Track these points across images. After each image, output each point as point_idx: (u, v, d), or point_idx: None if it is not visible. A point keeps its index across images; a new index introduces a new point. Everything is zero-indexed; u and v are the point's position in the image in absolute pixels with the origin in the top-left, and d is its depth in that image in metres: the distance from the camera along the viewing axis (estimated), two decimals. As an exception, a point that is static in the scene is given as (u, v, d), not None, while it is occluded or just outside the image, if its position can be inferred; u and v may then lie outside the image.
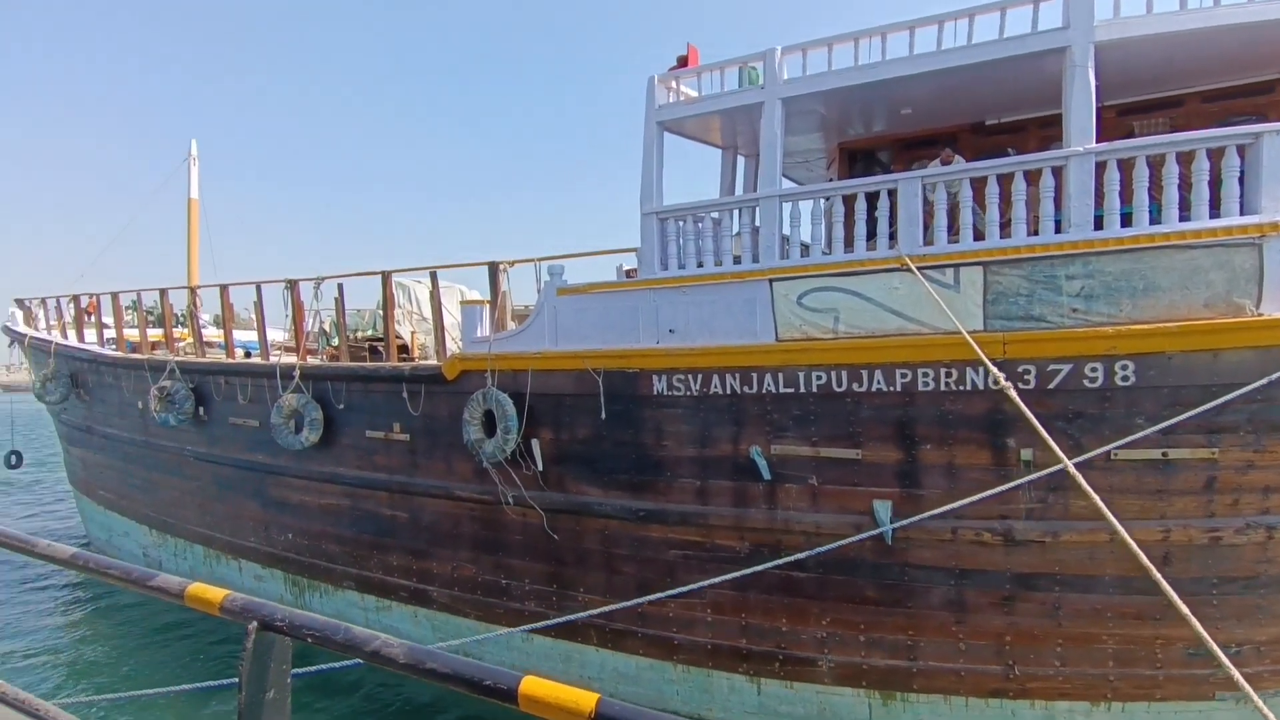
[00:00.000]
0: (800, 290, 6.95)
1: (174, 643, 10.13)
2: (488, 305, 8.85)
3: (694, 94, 8.25)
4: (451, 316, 10.16)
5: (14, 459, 16.56)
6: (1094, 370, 6.00)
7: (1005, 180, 6.55)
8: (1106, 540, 5.87)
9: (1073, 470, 5.02)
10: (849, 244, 7.07)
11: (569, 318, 8.10)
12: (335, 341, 11.18)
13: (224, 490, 11.56)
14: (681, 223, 7.91)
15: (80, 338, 14.77)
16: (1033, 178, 6.48)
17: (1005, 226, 6.51)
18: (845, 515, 6.76)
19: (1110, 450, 5.89)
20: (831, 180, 9.93)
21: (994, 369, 5.75)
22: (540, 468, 8.09)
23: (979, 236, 6.58)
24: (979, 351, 5.89)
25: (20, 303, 16.79)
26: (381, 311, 10.53)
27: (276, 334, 12.71)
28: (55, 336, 15.10)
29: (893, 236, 6.83)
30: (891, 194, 6.87)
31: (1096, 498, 4.67)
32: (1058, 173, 6.34)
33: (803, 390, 6.88)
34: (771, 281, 7.10)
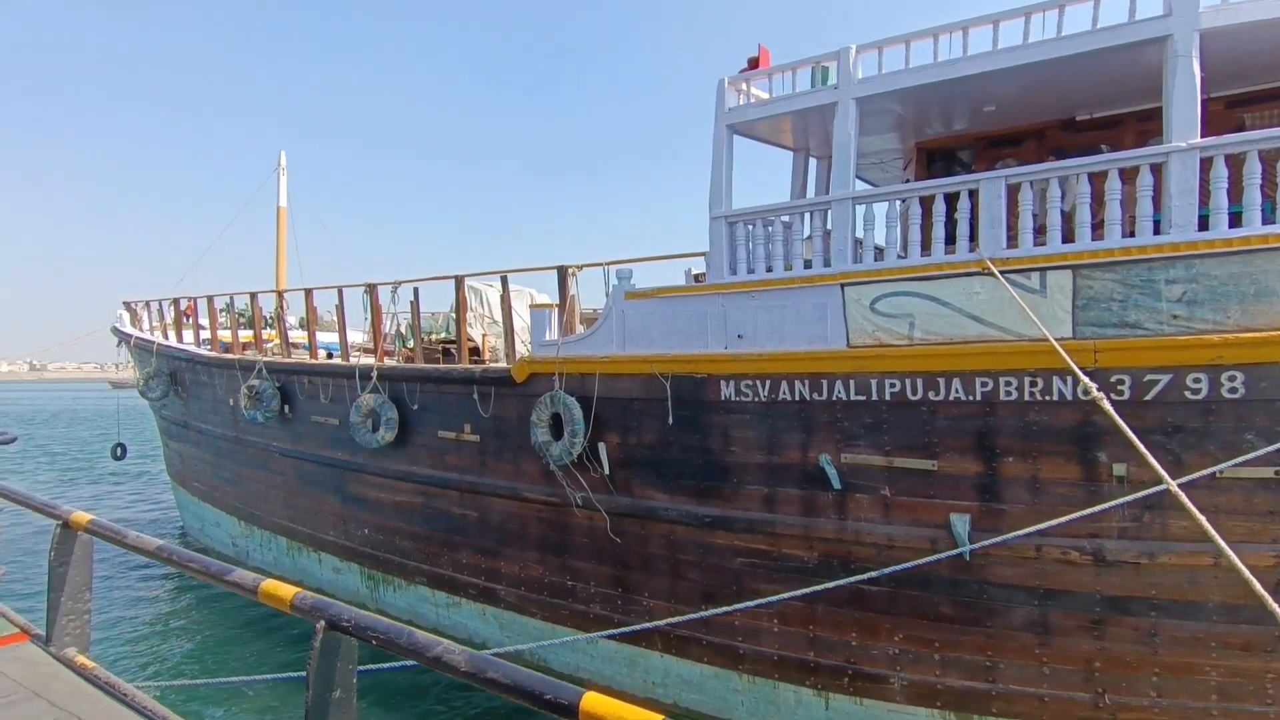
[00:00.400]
0: (873, 295, 6.75)
1: (263, 635, 10.56)
2: (556, 309, 8.95)
3: (765, 95, 8.14)
4: (521, 320, 10.34)
5: (119, 451, 17.79)
6: (1197, 381, 5.59)
7: (1097, 179, 6.19)
8: (1210, 564, 5.46)
9: (1176, 490, 4.67)
10: (926, 247, 6.83)
11: (637, 321, 8.11)
12: (411, 343, 11.53)
13: (306, 485, 12.08)
14: (751, 227, 7.81)
15: (179, 338, 15.74)
16: (1128, 175, 6.10)
17: (1097, 228, 6.15)
18: (920, 528, 6.51)
19: (1217, 468, 5.47)
20: (908, 181, 9.63)
21: (1085, 379, 5.43)
22: (607, 471, 8.12)
23: (1068, 239, 6.23)
24: (1068, 360, 5.57)
25: (128, 305, 18.02)
26: (454, 315, 10.80)
27: (356, 336, 13.22)
28: (157, 337, 16.14)
29: (973, 239, 6.55)
30: (973, 194, 6.59)
31: (1203, 519, 4.34)
32: (1157, 170, 5.94)
33: (875, 398, 6.68)
34: (843, 286, 6.92)
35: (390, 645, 1.58)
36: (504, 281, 9.65)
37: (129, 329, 17.22)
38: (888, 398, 6.63)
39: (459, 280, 10.11)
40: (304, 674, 1.77)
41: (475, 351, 11.49)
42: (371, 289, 11.09)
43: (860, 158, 9.10)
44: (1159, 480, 4.80)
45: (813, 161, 9.86)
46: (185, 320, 16.22)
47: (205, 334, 15.39)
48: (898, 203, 7.11)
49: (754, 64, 8.14)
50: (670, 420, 7.71)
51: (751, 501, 7.35)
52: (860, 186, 7.83)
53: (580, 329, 8.95)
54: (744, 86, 8.19)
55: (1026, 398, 6.09)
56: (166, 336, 16.06)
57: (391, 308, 11.13)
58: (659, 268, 9.27)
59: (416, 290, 10.72)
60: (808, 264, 7.48)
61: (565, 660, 8.78)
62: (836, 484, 6.84)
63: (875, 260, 7.01)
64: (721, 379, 7.45)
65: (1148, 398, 5.71)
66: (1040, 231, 6.49)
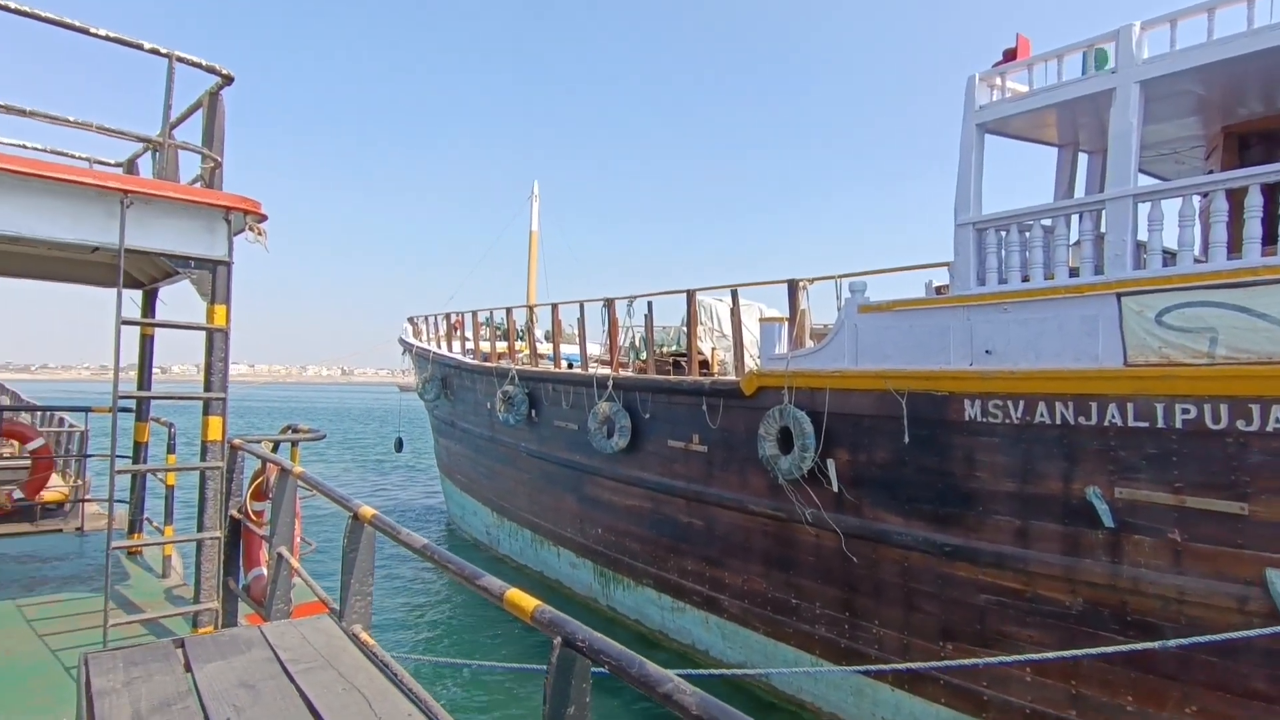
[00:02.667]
0: (1161, 306, 5.82)
1: (506, 620, 11.61)
2: (786, 322, 8.88)
3: (1023, 89, 7.42)
4: (750, 334, 10.40)
5: (399, 444, 20.87)
6: None
7: None
8: None
9: None
10: (1234, 249, 5.76)
11: (870, 336, 7.78)
12: (644, 355, 12.12)
13: (548, 484, 13.18)
14: (1003, 233, 7.14)
15: (449, 348, 18.03)
16: None
17: None
18: (1223, 582, 5.45)
19: None
20: (1211, 172, 8.19)
21: None
22: (836, 488, 7.86)
23: None
24: None
25: (411, 319, 21.06)
26: (685, 328, 11.17)
27: (593, 348, 14.20)
28: (432, 346, 18.65)
29: (1302, 237, 5.39)
30: (1303, 184, 5.44)
31: None
32: None
33: (1161, 425, 5.74)
34: (1120, 296, 6.05)
35: (621, 673, 1.58)
36: (734, 295, 9.79)
37: (411, 340, 20.11)
38: (1179, 425, 5.66)
39: (690, 294, 10.44)
40: (538, 666, 1.85)
41: (704, 365, 11.77)
42: (609, 303, 11.84)
43: (1145, 149, 7.91)
44: None
45: (1083, 157, 8.77)
46: (454, 332, 18.59)
47: (470, 344, 17.50)
48: (1195, 198, 6.08)
49: (1010, 55, 7.46)
50: (905, 439, 7.28)
51: (999, 533, 6.68)
52: (1144, 182, 6.80)
53: (810, 343, 8.79)
54: (998, 81, 7.53)
55: (1383, 433, 4.87)
56: (439, 346, 18.48)
57: (627, 321, 11.80)
58: (892, 282, 8.82)
59: (650, 304, 11.26)
60: (1073, 272, 6.66)
61: (786, 681, 8.61)
62: (1108, 521, 5.97)
63: (1163, 266, 6.05)
64: (966, 398, 6.88)
65: None
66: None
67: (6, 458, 7.95)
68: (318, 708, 2.34)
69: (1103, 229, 6.50)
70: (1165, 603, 5.71)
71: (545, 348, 15.73)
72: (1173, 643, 5.49)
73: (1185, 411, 5.63)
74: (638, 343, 12.56)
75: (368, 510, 3.18)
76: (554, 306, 13.73)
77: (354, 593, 3.25)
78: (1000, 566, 6.65)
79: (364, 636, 3.12)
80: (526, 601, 2.03)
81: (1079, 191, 8.73)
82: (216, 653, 2.83)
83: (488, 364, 15.21)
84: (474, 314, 17.00)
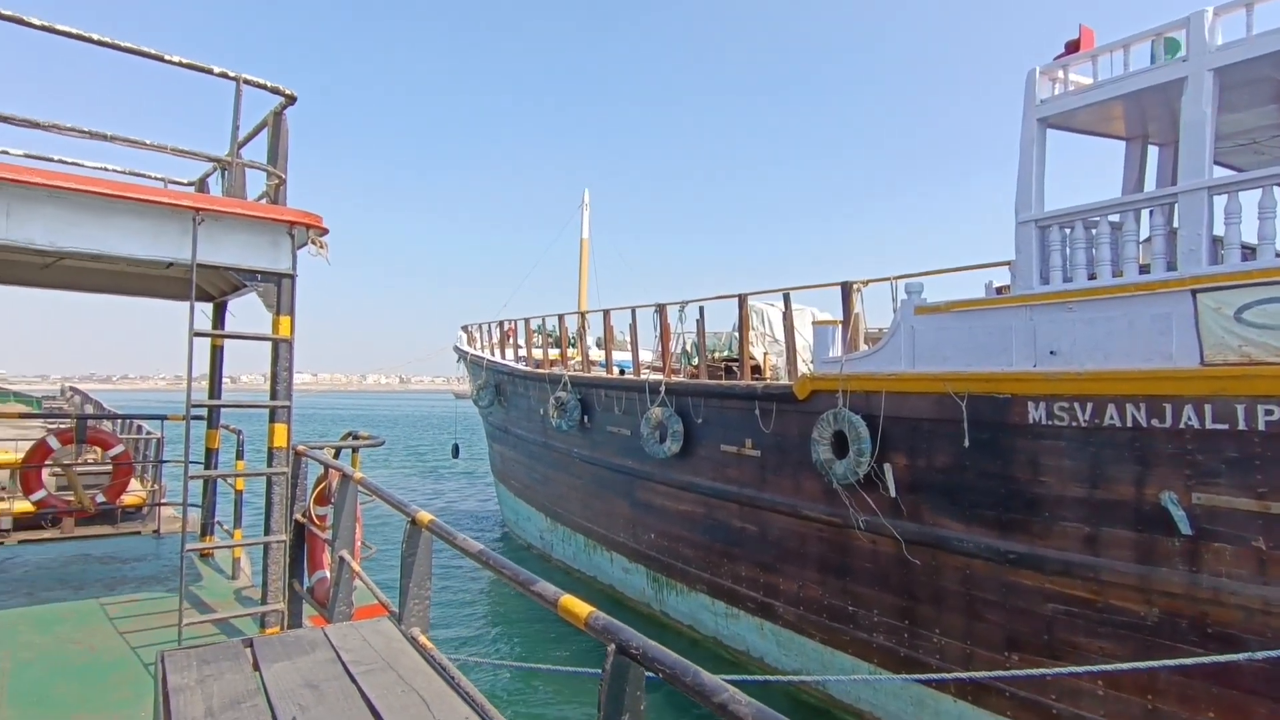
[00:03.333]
0: (1241, 302, 5.55)
1: (554, 623, 11.72)
2: (839, 325, 8.77)
3: (1086, 81, 7.19)
4: (803, 338, 10.30)
5: (456, 450, 21.30)
6: None
7: None
8: None
9: None
10: (1320, 241, 5.46)
11: (928, 337, 7.62)
12: (696, 361, 12.11)
13: (601, 489, 13.25)
14: (1068, 230, 6.92)
15: (502, 355, 18.34)
16: None
17: None
18: (1313, 594, 5.16)
19: None
20: (1291, 163, 7.79)
21: None
22: (893, 494, 7.71)
23: None
24: None
25: (465, 328, 21.51)
26: (736, 333, 11.12)
27: (645, 354, 14.25)
28: (485, 354, 18.99)
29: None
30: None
31: None
32: None
33: (1244, 427, 5.46)
34: (1195, 293, 5.79)
35: (675, 682, 1.56)
36: (786, 299, 9.71)
37: (466, 347, 20.51)
38: (1261, 427, 5.38)
39: (742, 299, 10.40)
40: (591, 670, 1.85)
41: (756, 369, 11.70)
42: (661, 309, 11.88)
43: (1223, 140, 7.57)
44: None
45: (1154, 150, 8.43)
46: (507, 339, 18.90)
47: (523, 351, 17.76)
48: (1277, 189, 5.78)
49: (1073, 47, 7.24)
50: (966, 443, 7.09)
51: (1067, 540, 6.44)
52: (1220, 174, 6.50)
53: (864, 347, 8.65)
54: (1059, 75, 7.32)
55: None
56: (493, 354, 18.81)
57: (679, 326, 11.81)
58: (949, 283, 8.59)
59: (702, 309, 11.26)
60: (1144, 269, 6.41)
61: (843, 690, 8.46)
62: (1185, 528, 5.71)
63: (1243, 261, 5.77)
64: (1029, 400, 6.68)
65: None
66: None
67: (90, 464, 8.39)
68: (378, 709, 2.40)
69: (1175, 224, 6.24)
70: (1249, 614, 5.42)
71: (597, 354, 15.86)
72: (1260, 655, 5.21)
73: (1269, 413, 5.35)
74: (689, 348, 12.55)
75: (425, 515, 3.24)
76: (605, 313, 13.84)
77: (412, 596, 3.30)
78: (1069, 575, 6.41)
79: (422, 639, 3.17)
80: (580, 608, 2.04)
81: (1149, 186, 8.40)
82: (283, 653, 2.93)
83: (540, 370, 15.41)
84: (526, 321, 17.25)
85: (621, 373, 14.19)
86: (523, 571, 2.37)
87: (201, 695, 2.51)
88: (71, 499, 7.53)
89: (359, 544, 4.70)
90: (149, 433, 11.18)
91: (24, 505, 7.50)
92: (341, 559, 4.20)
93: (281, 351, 4.84)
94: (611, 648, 1.76)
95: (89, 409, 16.28)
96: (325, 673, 2.75)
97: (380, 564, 13.17)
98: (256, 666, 2.81)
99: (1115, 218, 6.71)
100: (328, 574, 4.95)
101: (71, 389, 28.88)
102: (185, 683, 2.60)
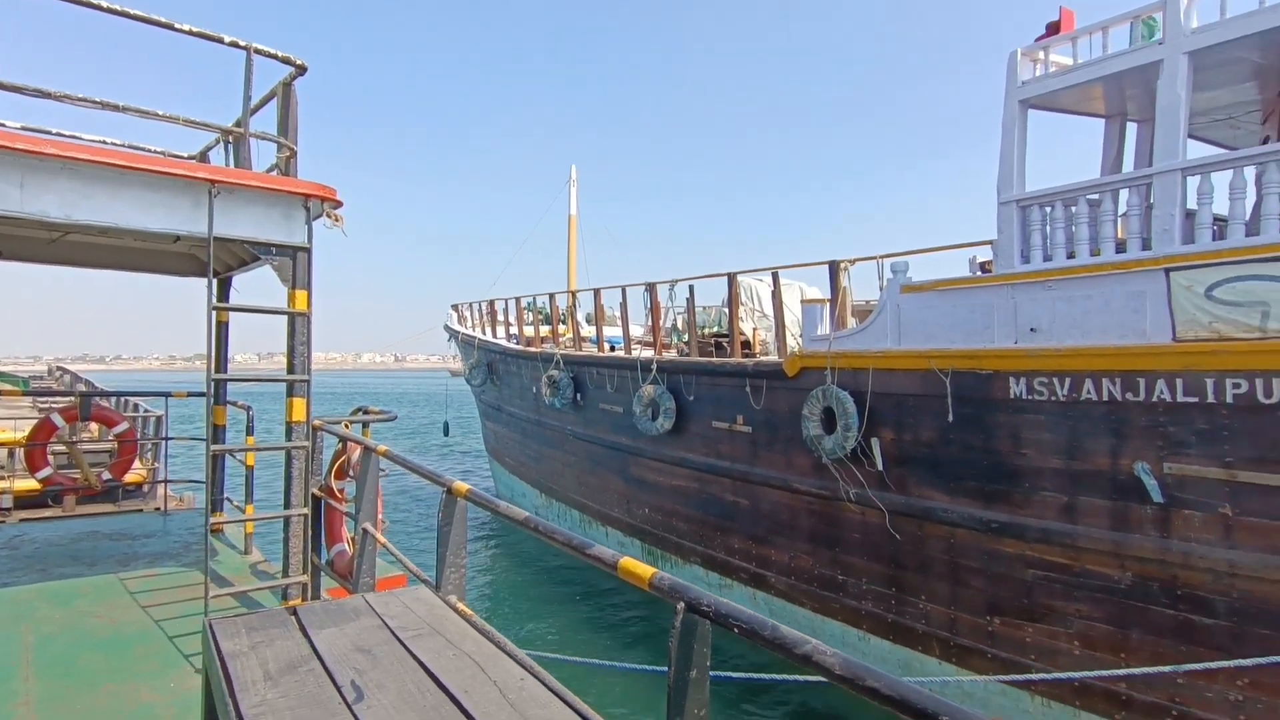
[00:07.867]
0: (1211, 280, 5.77)
1: (602, 609, 11.30)
2: (828, 303, 8.95)
3: (1068, 62, 7.31)
4: (792, 314, 10.47)
5: (446, 428, 21.46)
6: None
7: None
8: None
9: None
10: (1288, 220, 5.67)
11: (913, 315, 7.82)
12: (685, 337, 12.27)
13: (595, 465, 13.49)
14: (1048, 209, 7.10)
15: (494, 334, 18.41)
16: None
17: None
18: (1275, 555, 5.46)
19: None
20: (1269, 139, 7.97)
21: None
22: (880, 467, 7.97)
23: None
24: None
25: (455, 307, 21.51)
26: (726, 309, 11.27)
27: (636, 330, 14.38)
28: (476, 332, 19.06)
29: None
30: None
31: None
32: None
33: (1211, 400, 5.72)
34: (1169, 271, 6.01)
35: (753, 636, 1.55)
36: (775, 277, 9.87)
37: (457, 326, 20.55)
38: (1229, 400, 5.64)
39: (732, 277, 10.54)
40: (649, 666, 1.90)
41: (745, 345, 11.87)
42: (651, 287, 11.99)
43: (1201, 115, 7.74)
44: None
45: (1133, 126, 8.59)
46: (497, 318, 18.95)
47: (513, 329, 17.84)
48: (1248, 170, 5.98)
49: (1053, 29, 7.35)
50: (950, 418, 7.34)
51: (1046, 509, 6.73)
52: (1200, 150, 6.67)
53: (852, 323, 8.85)
54: (1040, 56, 7.43)
55: None
56: (484, 332, 18.87)
57: (669, 304, 11.94)
58: (933, 262, 8.74)
59: (692, 287, 11.38)
60: (1120, 247, 6.61)
61: (835, 654, 8.78)
62: (1157, 497, 6.00)
63: (1214, 240, 5.98)
64: (1011, 376, 6.91)
65: None
66: None
67: (87, 441, 8.35)
68: (433, 670, 2.46)
69: (1151, 202, 6.43)
70: (1216, 576, 5.73)
71: (588, 331, 15.97)
72: None
73: (1237, 386, 5.61)
74: (680, 324, 12.70)
75: (462, 486, 3.23)
76: (596, 292, 13.94)
77: (449, 565, 3.29)
78: (1047, 542, 6.71)
79: (461, 606, 3.19)
80: (642, 569, 2.03)
81: (1128, 162, 8.57)
82: (329, 620, 2.96)
83: (532, 349, 15.52)
84: (517, 299, 17.32)
85: (612, 349, 14.34)
86: (576, 536, 2.36)
87: (257, 660, 2.53)
88: (78, 476, 7.53)
89: (380, 517, 4.66)
90: (146, 411, 11.21)
91: (24, 484, 7.47)
92: (365, 531, 4.21)
93: (299, 326, 4.78)
94: (681, 606, 1.79)
95: (80, 389, 16.21)
96: (375, 638, 2.75)
97: (394, 536, 13.14)
98: (305, 633, 2.81)
99: (1094, 197, 6.89)
100: (346, 547, 5.02)
101: (60, 368, 28.61)
102: (239, 648, 2.62)
